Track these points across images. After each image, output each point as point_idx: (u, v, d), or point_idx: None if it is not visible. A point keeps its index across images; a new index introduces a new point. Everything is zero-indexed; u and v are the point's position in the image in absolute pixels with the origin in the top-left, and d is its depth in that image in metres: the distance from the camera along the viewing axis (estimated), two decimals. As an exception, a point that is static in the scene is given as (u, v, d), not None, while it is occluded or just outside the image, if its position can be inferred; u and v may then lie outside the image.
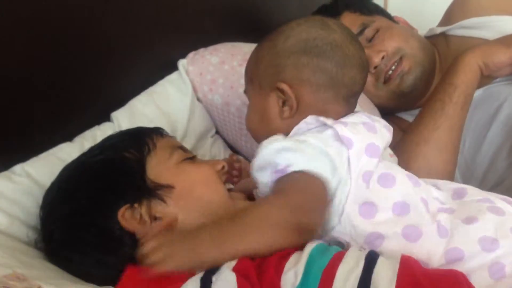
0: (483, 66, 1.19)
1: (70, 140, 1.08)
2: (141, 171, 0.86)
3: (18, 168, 0.97)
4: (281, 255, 0.73)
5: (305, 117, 0.85)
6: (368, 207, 0.81)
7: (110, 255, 0.81)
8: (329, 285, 0.68)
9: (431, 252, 0.77)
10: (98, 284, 0.81)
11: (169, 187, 0.86)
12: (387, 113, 1.44)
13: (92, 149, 0.94)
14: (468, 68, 1.20)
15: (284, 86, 0.87)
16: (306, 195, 0.77)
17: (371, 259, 0.72)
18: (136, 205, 0.83)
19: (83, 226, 0.82)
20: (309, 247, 0.74)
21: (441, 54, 1.47)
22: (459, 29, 1.44)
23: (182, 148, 0.96)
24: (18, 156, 0.99)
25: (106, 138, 0.97)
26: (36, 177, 0.97)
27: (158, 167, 0.88)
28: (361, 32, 1.40)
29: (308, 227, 0.75)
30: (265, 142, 0.82)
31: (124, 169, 0.87)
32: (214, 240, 0.72)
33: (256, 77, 0.92)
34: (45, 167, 0.98)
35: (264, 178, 0.82)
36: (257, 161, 0.82)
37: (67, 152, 1.03)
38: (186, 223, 0.84)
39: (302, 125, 0.85)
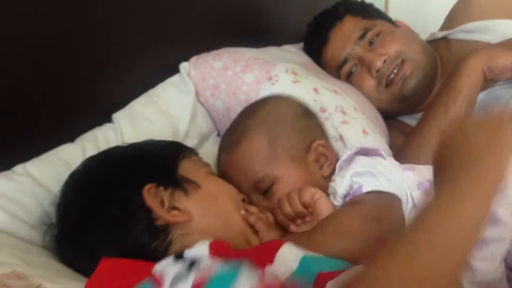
0: (487, 70, 1.19)
1: (71, 141, 1.07)
2: (174, 166, 0.90)
3: (19, 168, 0.96)
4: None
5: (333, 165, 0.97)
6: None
7: (125, 230, 0.82)
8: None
9: None
10: None
11: (196, 185, 0.88)
12: (389, 117, 1.44)
13: (130, 143, 0.96)
14: (472, 72, 1.20)
15: (321, 142, 1.00)
16: (381, 205, 0.84)
17: None
18: (161, 187, 0.85)
19: (107, 194, 0.83)
20: None
21: (443, 58, 1.47)
22: (461, 33, 1.44)
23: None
24: (19, 156, 0.98)
25: (146, 140, 0.98)
26: (37, 177, 0.96)
27: (190, 169, 0.90)
28: (363, 36, 1.40)
29: (383, 235, 0.80)
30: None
31: (159, 158, 0.90)
32: (306, 241, 0.80)
33: (284, 151, 0.96)
34: (46, 167, 0.98)
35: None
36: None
37: (68, 153, 1.02)
38: (198, 225, 0.84)
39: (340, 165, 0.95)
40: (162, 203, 0.83)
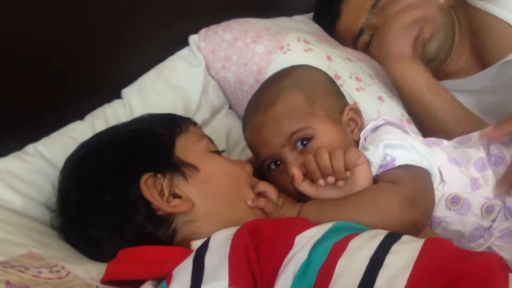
0: None
1: (81, 119, 1.07)
2: (169, 147, 0.86)
3: (30, 148, 0.96)
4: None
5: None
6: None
7: (125, 221, 0.81)
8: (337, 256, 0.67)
9: None
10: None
11: (194, 168, 0.85)
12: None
13: (125, 122, 0.94)
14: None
15: (353, 107, 1.00)
16: (417, 186, 0.84)
17: (391, 238, 0.69)
18: (159, 175, 0.82)
19: (104, 185, 0.82)
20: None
21: (460, 17, 1.42)
22: (479, 0, 1.39)
23: (210, 139, 0.95)
24: (29, 136, 0.98)
25: (141, 116, 0.97)
26: (49, 156, 0.95)
27: (186, 148, 0.87)
28: (376, 4, 1.36)
29: (420, 221, 0.82)
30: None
31: (154, 140, 0.87)
32: (335, 206, 0.82)
33: (321, 110, 0.94)
34: (57, 146, 0.97)
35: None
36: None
37: (78, 131, 1.02)
38: (202, 210, 0.83)
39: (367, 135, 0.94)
40: (161, 191, 0.81)
